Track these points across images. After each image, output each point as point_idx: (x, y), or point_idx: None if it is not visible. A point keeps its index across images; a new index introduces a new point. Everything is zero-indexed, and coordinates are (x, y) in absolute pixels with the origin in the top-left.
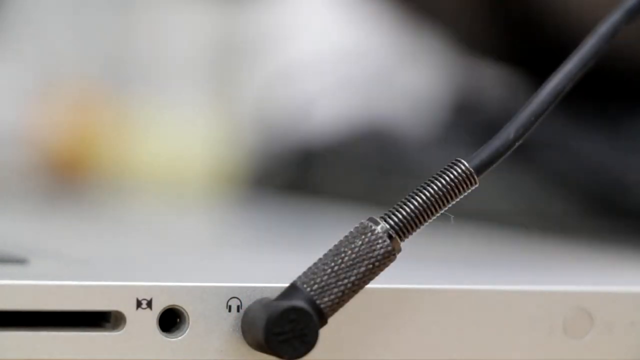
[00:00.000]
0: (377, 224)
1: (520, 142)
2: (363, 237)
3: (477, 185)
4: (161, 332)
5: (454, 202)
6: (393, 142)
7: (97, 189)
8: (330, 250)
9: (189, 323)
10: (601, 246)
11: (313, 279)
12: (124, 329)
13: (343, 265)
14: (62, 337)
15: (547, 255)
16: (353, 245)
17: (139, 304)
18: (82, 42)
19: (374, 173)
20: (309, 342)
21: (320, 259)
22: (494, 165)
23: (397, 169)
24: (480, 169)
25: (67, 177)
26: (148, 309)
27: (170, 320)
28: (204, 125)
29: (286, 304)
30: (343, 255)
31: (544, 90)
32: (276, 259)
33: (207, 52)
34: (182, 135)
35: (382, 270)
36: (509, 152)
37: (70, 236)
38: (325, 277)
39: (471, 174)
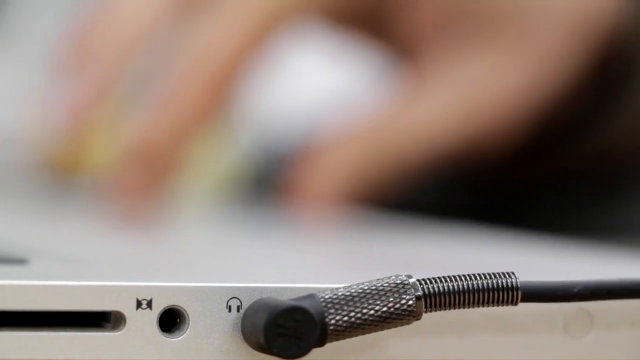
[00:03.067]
0: (410, 278)
1: (578, 301)
2: (393, 283)
3: (515, 307)
4: (161, 332)
5: (484, 306)
6: None
7: (96, 189)
8: (360, 283)
9: (189, 323)
10: (601, 245)
11: (333, 292)
12: (124, 329)
13: (364, 295)
14: (62, 337)
15: (546, 255)
16: (380, 285)
17: (139, 304)
18: None
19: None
20: (307, 343)
21: (347, 286)
22: (537, 302)
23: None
24: (527, 295)
25: (67, 177)
26: (148, 309)
27: (170, 320)
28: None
29: (292, 302)
30: (367, 288)
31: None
32: (276, 259)
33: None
34: None
35: (396, 322)
36: (559, 302)
37: (70, 236)
38: (343, 297)
39: (516, 292)
